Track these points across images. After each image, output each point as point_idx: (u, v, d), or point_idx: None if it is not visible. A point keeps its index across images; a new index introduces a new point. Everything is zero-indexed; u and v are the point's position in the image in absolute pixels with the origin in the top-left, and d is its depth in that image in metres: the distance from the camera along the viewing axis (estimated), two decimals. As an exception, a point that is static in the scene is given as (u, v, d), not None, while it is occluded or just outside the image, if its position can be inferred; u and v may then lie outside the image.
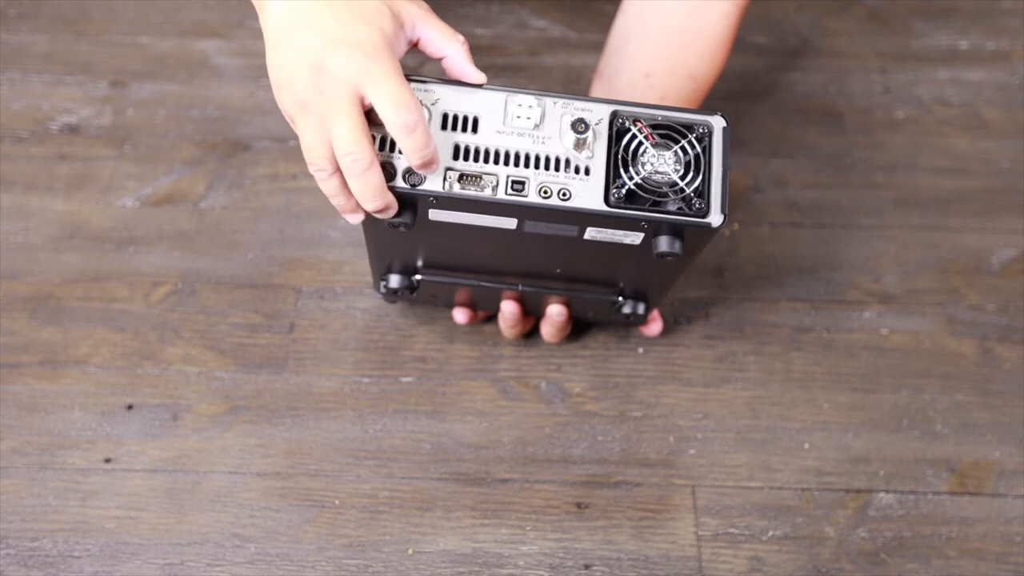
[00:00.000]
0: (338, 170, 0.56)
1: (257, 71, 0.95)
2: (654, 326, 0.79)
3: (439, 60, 0.59)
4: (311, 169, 0.56)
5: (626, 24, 0.76)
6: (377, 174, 0.54)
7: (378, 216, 0.57)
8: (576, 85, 0.96)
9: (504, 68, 0.98)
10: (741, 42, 0.99)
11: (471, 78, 0.58)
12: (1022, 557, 0.71)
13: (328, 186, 0.57)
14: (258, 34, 0.97)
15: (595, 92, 0.78)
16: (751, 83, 0.97)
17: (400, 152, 0.56)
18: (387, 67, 0.53)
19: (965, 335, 0.81)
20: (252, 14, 0.99)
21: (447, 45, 0.58)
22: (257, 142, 0.91)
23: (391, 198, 0.56)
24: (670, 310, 0.82)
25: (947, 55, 1.00)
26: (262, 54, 0.96)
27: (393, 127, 0.53)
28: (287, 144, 0.90)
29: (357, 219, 0.59)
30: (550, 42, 1.00)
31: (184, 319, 0.80)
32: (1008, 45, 1.01)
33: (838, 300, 0.83)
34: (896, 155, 0.92)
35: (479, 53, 0.99)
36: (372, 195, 0.55)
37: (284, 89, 0.55)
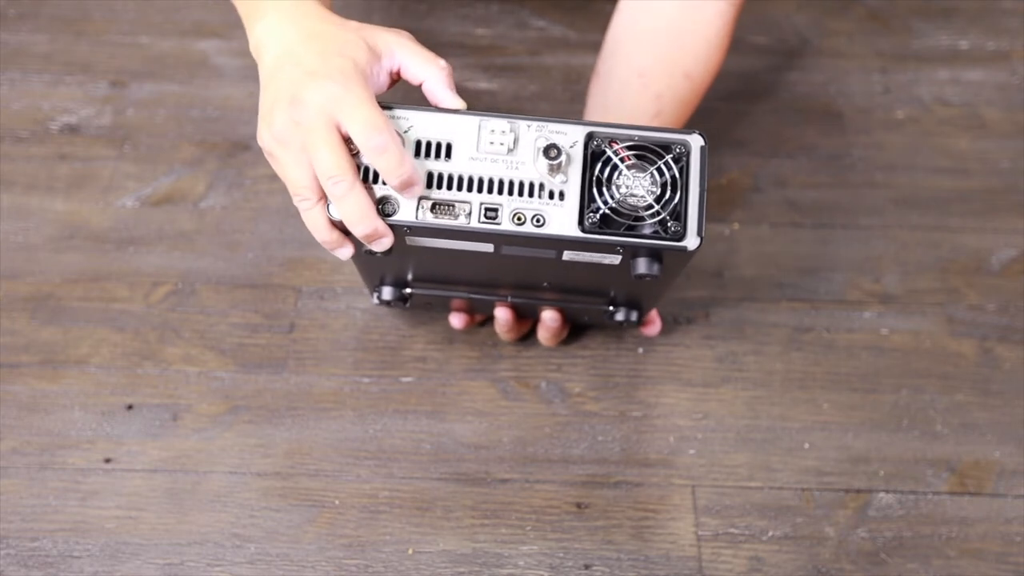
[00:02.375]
0: (321, 199, 0.56)
1: (257, 71, 0.95)
2: (653, 326, 0.79)
3: (418, 86, 0.59)
4: (295, 200, 0.57)
5: (621, 24, 0.76)
6: (360, 195, 0.54)
7: (371, 246, 0.57)
8: (576, 85, 0.96)
9: (504, 68, 0.98)
10: (741, 42, 0.99)
11: (446, 103, 0.58)
12: (1022, 557, 0.71)
13: (312, 217, 0.57)
14: (258, 34, 0.97)
15: (593, 91, 0.78)
16: (751, 83, 0.97)
17: (383, 182, 0.56)
18: (358, 93, 0.54)
19: (965, 335, 0.81)
20: (252, 14, 0.99)
21: (425, 70, 0.58)
22: (257, 142, 0.90)
23: (381, 224, 0.55)
24: (670, 310, 0.82)
25: (947, 55, 1.00)
26: (262, 54, 0.96)
27: (365, 149, 0.54)
28: (287, 144, 0.90)
29: (347, 254, 0.59)
30: (550, 42, 1.00)
31: (184, 319, 0.80)
32: (1008, 45, 1.01)
33: (838, 300, 0.83)
34: (896, 155, 0.92)
35: (479, 53, 0.99)
36: (359, 218, 0.55)
37: (263, 123, 0.56)
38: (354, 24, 0.58)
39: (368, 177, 0.56)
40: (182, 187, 0.88)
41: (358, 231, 0.55)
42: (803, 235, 0.87)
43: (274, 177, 0.88)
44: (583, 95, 0.92)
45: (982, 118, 0.95)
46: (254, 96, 0.95)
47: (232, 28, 0.98)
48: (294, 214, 0.86)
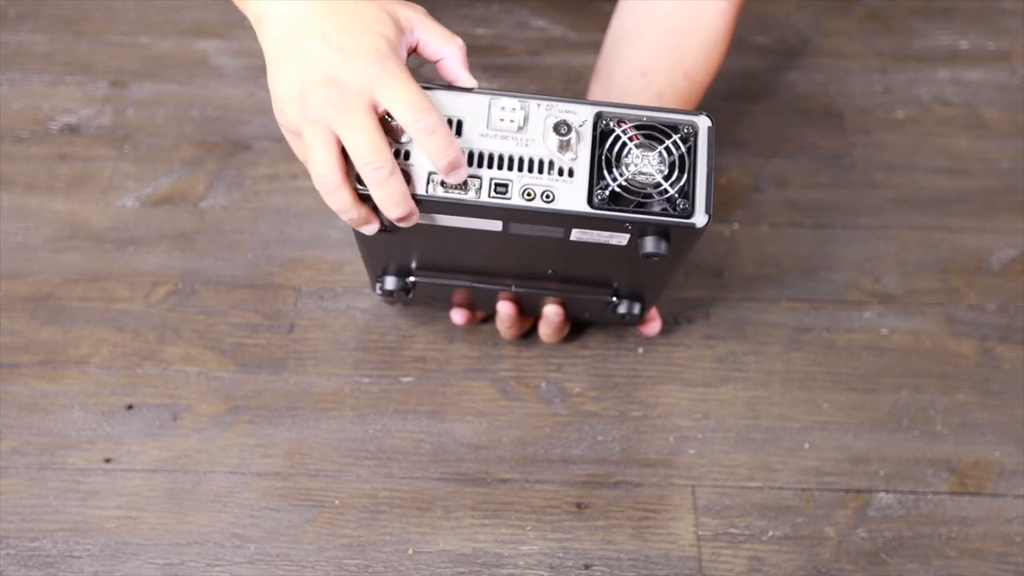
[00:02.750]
0: (346, 182, 0.55)
1: (257, 71, 0.95)
2: (653, 325, 0.79)
3: (435, 63, 0.59)
4: (319, 182, 0.55)
5: (622, 23, 0.76)
6: (399, 180, 0.54)
7: (400, 224, 0.56)
8: (576, 85, 0.96)
9: (504, 68, 0.98)
10: (741, 42, 0.99)
11: (462, 82, 0.58)
12: (1022, 557, 0.71)
13: (338, 199, 0.56)
14: (258, 34, 0.97)
15: (593, 91, 0.78)
16: (751, 83, 0.97)
17: (407, 160, 0.55)
18: (398, 73, 0.53)
19: (965, 335, 0.81)
20: (252, 14, 0.99)
21: (444, 48, 0.58)
22: (257, 142, 0.91)
23: (413, 204, 0.55)
24: (670, 310, 0.82)
25: (947, 55, 1.00)
26: (262, 54, 0.96)
27: (413, 131, 0.53)
28: (287, 144, 0.90)
29: (373, 229, 0.59)
30: (550, 42, 1.00)
31: (184, 319, 0.80)
32: (1008, 45, 1.01)
33: (838, 300, 0.83)
34: (896, 155, 0.92)
35: (479, 53, 0.99)
36: (396, 201, 0.54)
37: (292, 102, 0.54)
38: None
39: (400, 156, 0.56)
40: (182, 187, 0.88)
41: (394, 213, 0.55)
42: (803, 235, 0.87)
43: (274, 177, 0.88)
44: (583, 95, 0.92)
45: (982, 118, 0.95)
46: (254, 96, 0.95)
47: (232, 28, 0.98)
48: (295, 214, 0.86)
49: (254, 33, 0.58)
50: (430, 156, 0.54)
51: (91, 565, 0.69)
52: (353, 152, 0.53)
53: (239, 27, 0.98)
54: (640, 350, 0.80)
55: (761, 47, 1.00)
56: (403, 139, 0.56)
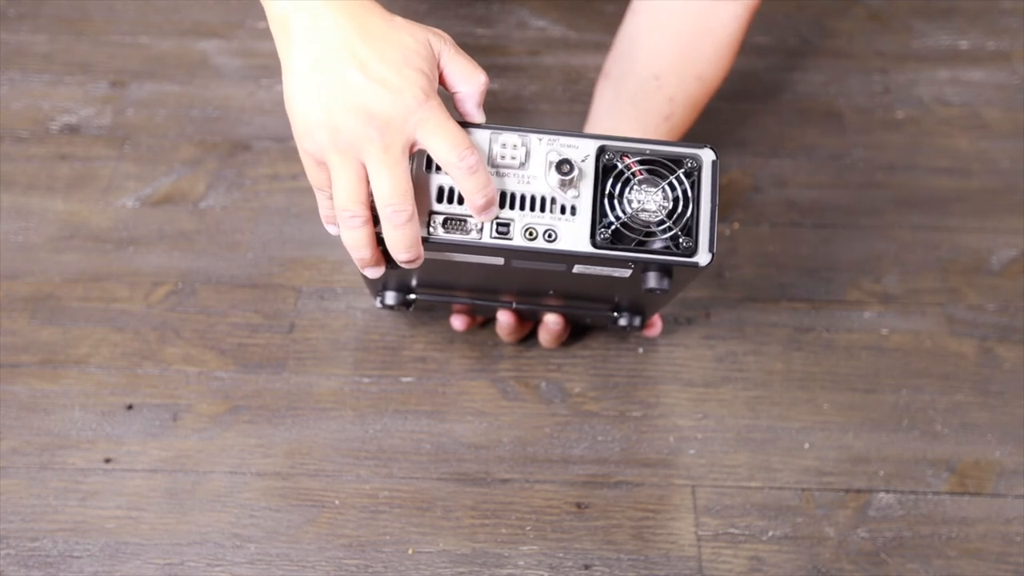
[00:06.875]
0: (371, 219, 0.54)
1: (257, 71, 0.95)
2: (654, 328, 0.79)
3: (450, 94, 0.57)
4: (343, 215, 0.53)
5: (635, 25, 0.75)
6: (416, 226, 0.53)
7: (404, 266, 0.56)
8: (576, 85, 0.96)
9: (504, 68, 0.98)
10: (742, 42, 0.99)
11: (472, 117, 0.57)
12: (1022, 557, 0.71)
13: (357, 236, 0.54)
14: (259, 34, 0.97)
15: (601, 93, 0.78)
16: (751, 83, 0.97)
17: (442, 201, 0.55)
18: (439, 113, 0.52)
19: (965, 335, 0.81)
20: (253, 14, 0.99)
21: (465, 84, 0.56)
22: (257, 142, 0.91)
23: (422, 249, 0.55)
24: (670, 310, 0.82)
25: (947, 55, 1.00)
26: (262, 54, 0.96)
27: (456, 170, 0.53)
28: (287, 144, 0.90)
29: (379, 272, 0.58)
30: (550, 42, 1.00)
31: (184, 319, 0.80)
32: (1008, 45, 1.01)
33: (838, 300, 0.83)
34: (896, 155, 0.92)
35: (479, 53, 0.99)
36: (407, 246, 0.54)
37: (322, 129, 0.52)
38: (400, 21, 0.54)
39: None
40: (182, 187, 0.88)
41: (404, 257, 0.54)
42: (803, 235, 0.87)
43: (274, 177, 0.88)
44: (583, 95, 0.92)
45: (982, 118, 0.95)
46: (254, 96, 0.95)
47: (232, 28, 0.98)
48: (295, 214, 0.86)
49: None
50: (467, 194, 0.53)
51: (91, 565, 0.69)
52: (378, 190, 0.52)
53: (239, 27, 0.98)
54: (640, 350, 0.80)
55: (761, 47, 1.00)
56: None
